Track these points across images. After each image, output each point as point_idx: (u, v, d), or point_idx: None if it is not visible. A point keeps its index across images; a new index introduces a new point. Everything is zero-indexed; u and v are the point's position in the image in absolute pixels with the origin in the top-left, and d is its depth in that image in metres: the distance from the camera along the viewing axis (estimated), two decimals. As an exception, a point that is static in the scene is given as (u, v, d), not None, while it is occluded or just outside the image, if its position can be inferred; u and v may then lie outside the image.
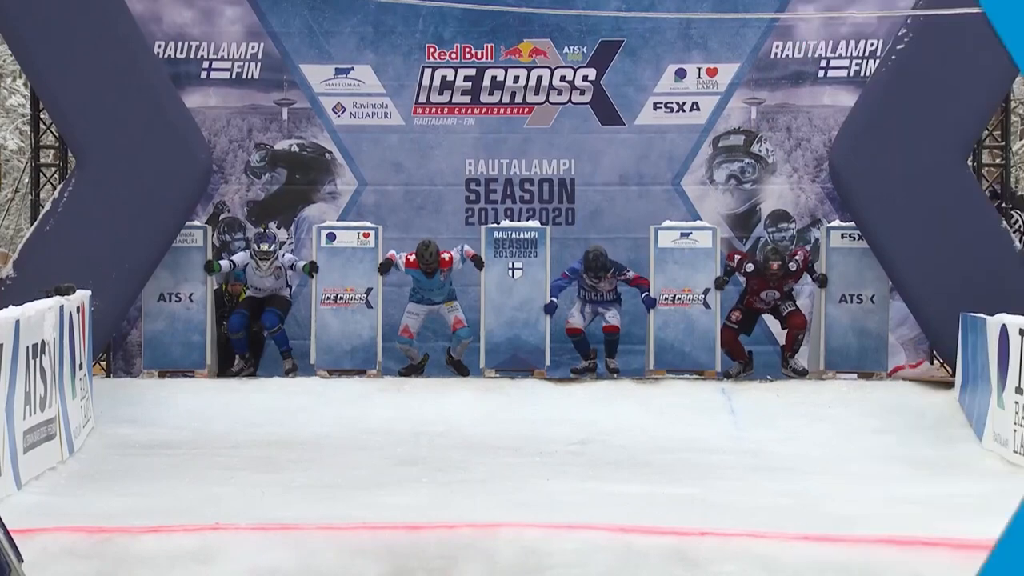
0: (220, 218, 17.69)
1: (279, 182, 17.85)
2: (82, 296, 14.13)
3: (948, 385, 15.63)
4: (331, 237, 16.61)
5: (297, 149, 17.84)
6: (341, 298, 16.50)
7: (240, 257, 16.70)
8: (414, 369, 16.50)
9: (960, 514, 10.16)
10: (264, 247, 16.39)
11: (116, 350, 17.36)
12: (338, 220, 17.29)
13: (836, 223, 16.96)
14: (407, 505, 10.45)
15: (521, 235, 16.71)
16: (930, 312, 16.09)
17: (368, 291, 16.51)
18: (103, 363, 17.20)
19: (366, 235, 16.62)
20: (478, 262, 16.37)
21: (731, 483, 11.94)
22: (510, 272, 16.59)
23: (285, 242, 17.67)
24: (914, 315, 16.53)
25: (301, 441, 14.03)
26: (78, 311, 13.77)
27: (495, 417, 14.47)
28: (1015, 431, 13.28)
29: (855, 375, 16.28)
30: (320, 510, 9.79)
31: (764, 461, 12.22)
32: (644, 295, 16.45)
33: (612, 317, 16.47)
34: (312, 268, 16.39)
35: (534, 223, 17.13)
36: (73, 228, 15.90)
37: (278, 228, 17.75)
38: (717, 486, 11.72)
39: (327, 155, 17.82)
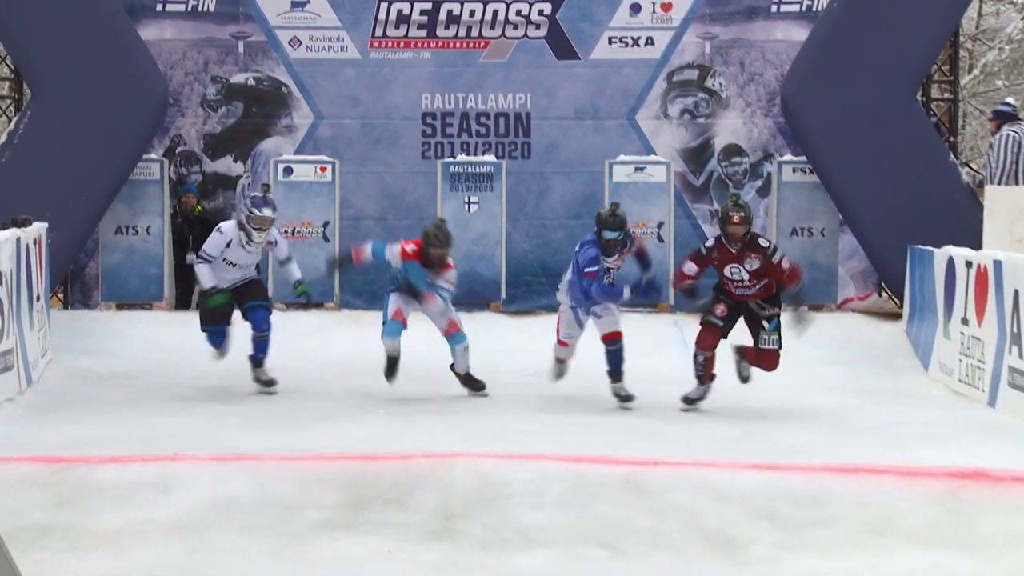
0: (176, 151, 17.57)
1: (235, 115, 17.73)
2: (39, 228, 14.06)
3: (896, 317, 15.73)
4: (288, 171, 16.58)
5: (253, 82, 17.72)
6: (298, 231, 16.48)
7: (214, 243, 12.90)
8: (393, 368, 12.98)
9: (907, 442, 10.27)
10: (266, 212, 12.86)
11: (74, 282, 17.25)
12: (295, 154, 17.23)
13: (788, 157, 17.04)
14: (364, 436, 10.50)
15: (477, 169, 16.71)
16: (879, 245, 16.17)
17: (325, 224, 16.51)
18: (60, 295, 17.09)
19: (323, 169, 16.59)
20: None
21: (683, 413, 12.02)
22: (466, 206, 16.58)
23: (241, 176, 17.60)
24: (863, 248, 16.61)
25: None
26: (35, 243, 13.71)
27: (433, 348, 14.48)
28: (960, 361, 13.40)
29: (805, 307, 16.32)
30: (278, 440, 9.81)
31: (718, 391, 12.28)
32: (644, 282, 12.57)
33: (606, 315, 12.67)
34: (303, 291, 13.50)
35: (490, 157, 17.08)
36: (29, 160, 15.77)
37: (235, 161, 17.63)
38: (670, 416, 11.80)
39: (283, 88, 17.71)
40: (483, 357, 13.77)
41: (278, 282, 15.98)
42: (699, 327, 12.36)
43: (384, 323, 12.78)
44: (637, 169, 16.73)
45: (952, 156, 16.39)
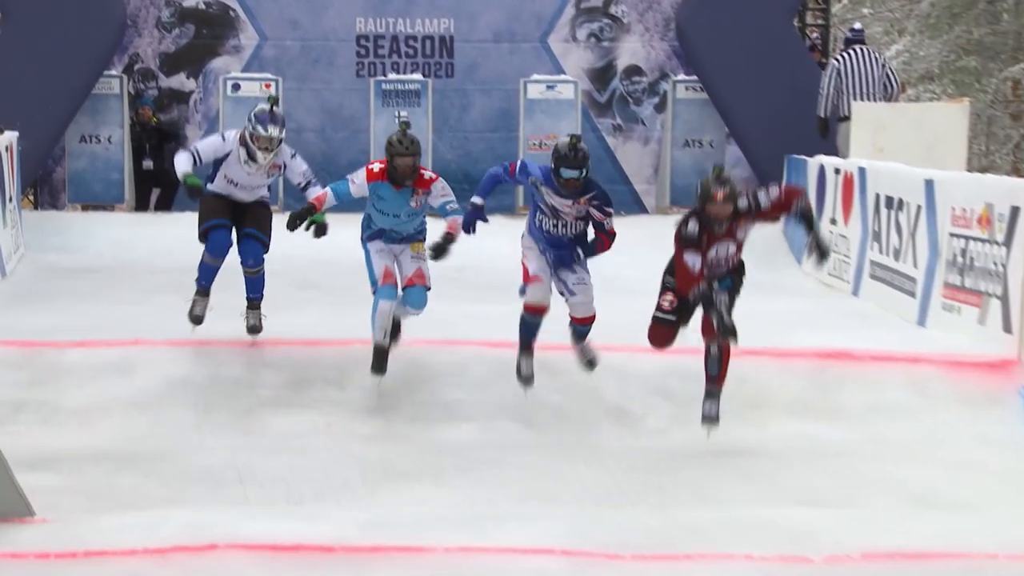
0: (134, 68, 17.30)
1: (188, 36, 17.46)
2: (10, 136, 13.90)
3: (774, 219, 15.82)
4: (236, 87, 16.44)
5: (203, 6, 17.43)
6: (245, 141, 16.37)
7: (210, 144, 9.82)
8: (381, 360, 9.12)
9: (781, 327, 10.37)
10: (272, 131, 9.45)
11: (43, 186, 17.06)
12: (241, 72, 17.03)
13: (681, 77, 17.00)
14: (306, 324, 10.48)
15: (406, 87, 16.69)
16: (759, 155, 16.25)
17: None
18: (31, 197, 16.94)
19: (267, 85, 16.42)
20: (441, 243, 9.09)
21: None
22: (396, 120, 16.49)
23: (193, 91, 17.42)
24: (746, 157, 16.68)
25: (212, 268, 13.95)
26: (7, 150, 13.54)
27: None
28: (830, 258, 13.54)
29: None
30: (228, 328, 9.77)
31: (617, 284, 12.29)
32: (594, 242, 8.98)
33: (581, 293, 9.02)
34: (319, 229, 9.47)
35: (417, 76, 17.00)
36: (1, 75, 15.59)
37: (187, 78, 17.44)
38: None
39: (231, 12, 17.44)
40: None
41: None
42: (651, 322, 8.71)
43: (374, 288, 9.15)
44: (548, 87, 16.71)
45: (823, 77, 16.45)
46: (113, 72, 16.59)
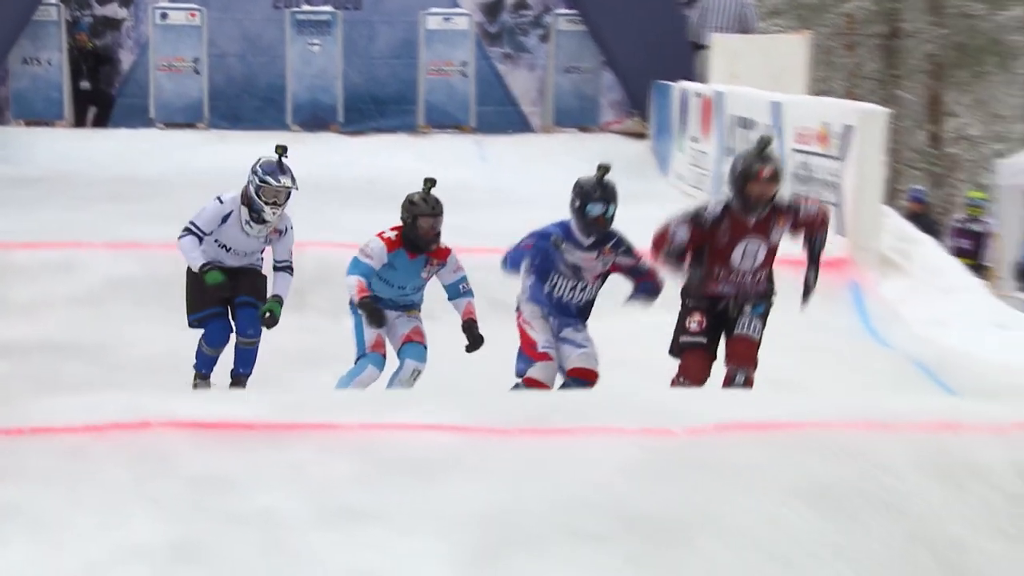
0: (71, -3, 16.94)
1: (120, -31, 17.09)
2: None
3: (643, 136, 15.88)
4: (163, 16, 16.17)
5: (135, -57, 17.05)
6: (173, 66, 16.10)
7: (209, 214, 7.49)
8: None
9: (649, 230, 10.41)
10: (285, 181, 7.42)
11: (-12, 104, 16.75)
12: (169, 1, 16.65)
13: (562, 11, 16.93)
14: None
15: (318, 18, 16.49)
16: (630, 80, 16.29)
17: (195, 60, 16.16)
18: (-23, 114, 16.63)
19: (193, 14, 16.19)
20: (471, 335, 7.38)
21: (484, 213, 12.02)
22: (310, 47, 16.36)
23: (125, 19, 17.02)
24: (619, 82, 16.69)
25: (144, 180, 13.76)
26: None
27: (300, 162, 14.19)
28: (690, 169, 13.65)
29: (576, 129, 16.42)
30: (160, 233, 9.63)
31: (508, 196, 12.32)
32: (641, 285, 7.14)
33: (589, 346, 7.12)
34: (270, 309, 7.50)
35: (328, 8, 16.77)
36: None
37: (120, 7, 17.02)
38: (474, 215, 11.79)
39: (160, -51, 17.08)
40: (325, 168, 13.66)
41: (157, 106, 15.50)
42: (679, 351, 6.84)
43: (359, 356, 7.35)
44: (445, 19, 16.55)
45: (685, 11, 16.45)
46: (51, 1, 16.18)
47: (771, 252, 6.72)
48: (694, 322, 6.74)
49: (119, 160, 14.60)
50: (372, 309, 7.12)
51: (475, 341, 7.29)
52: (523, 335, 7.09)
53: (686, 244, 6.67)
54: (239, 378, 7.68)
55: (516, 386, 7.06)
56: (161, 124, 15.91)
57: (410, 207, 7.33)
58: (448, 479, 4.85)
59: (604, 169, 6.93)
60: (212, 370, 7.67)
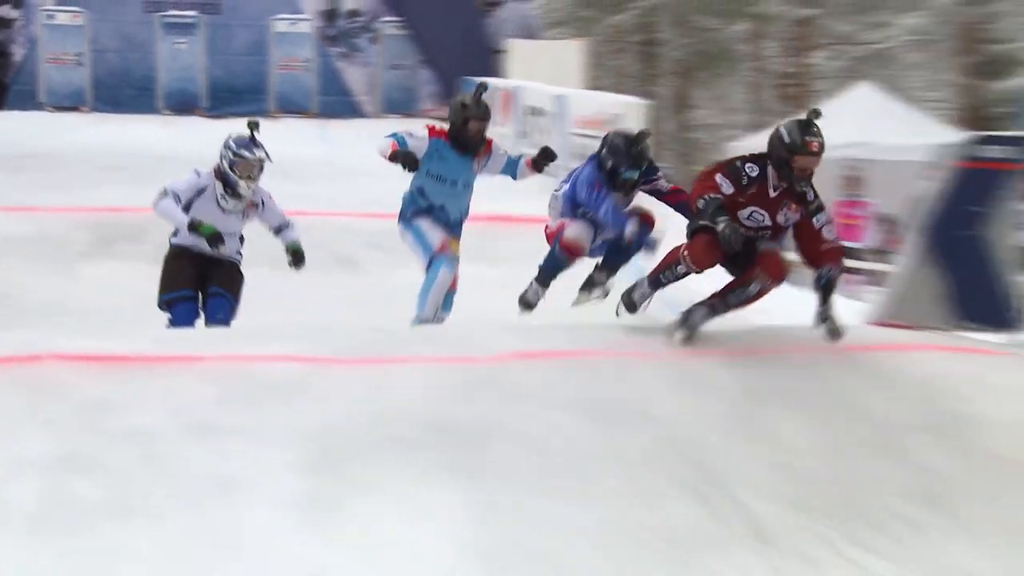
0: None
1: (12, -24, 16.27)
2: None
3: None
4: (50, 16, 15.62)
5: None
6: (60, 59, 15.57)
7: (186, 182, 6.38)
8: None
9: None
10: (258, 153, 6.36)
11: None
12: (55, 4, 15.99)
13: (389, 18, 16.79)
14: (111, 196, 10.00)
15: (184, 20, 16.10)
16: (443, 76, 16.25)
17: (79, 54, 15.64)
18: None
19: (76, 16, 15.65)
20: (545, 158, 6.57)
21: (324, 183, 11.82)
22: (177, 45, 15.97)
23: (14, 20, 16.22)
24: (435, 77, 16.64)
25: (37, 154, 13.14)
26: None
27: (171, 139, 13.90)
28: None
29: (400, 115, 16.32)
30: (52, 198, 9.26)
31: (344, 170, 12.14)
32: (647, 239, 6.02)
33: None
34: (296, 259, 6.61)
35: (192, 12, 16.33)
36: None
37: (12, 8, 16.20)
38: (317, 185, 11.55)
39: (47, -41, 16.30)
40: (193, 143, 13.25)
41: (47, 92, 14.90)
42: (694, 237, 5.44)
43: (427, 260, 6.33)
44: (291, 23, 16.40)
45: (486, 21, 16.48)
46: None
47: (774, 229, 5.41)
48: (723, 221, 5.17)
49: (14, 138, 13.96)
50: (404, 154, 6.07)
51: (548, 153, 6.40)
52: (556, 226, 6.13)
53: (725, 194, 5.30)
54: None
55: (553, 251, 6.08)
56: (50, 108, 15.37)
57: (462, 110, 6.29)
58: (295, 400, 4.79)
59: (644, 133, 5.91)
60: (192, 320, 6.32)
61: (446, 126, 6.33)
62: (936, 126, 14.63)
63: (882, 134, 13.26)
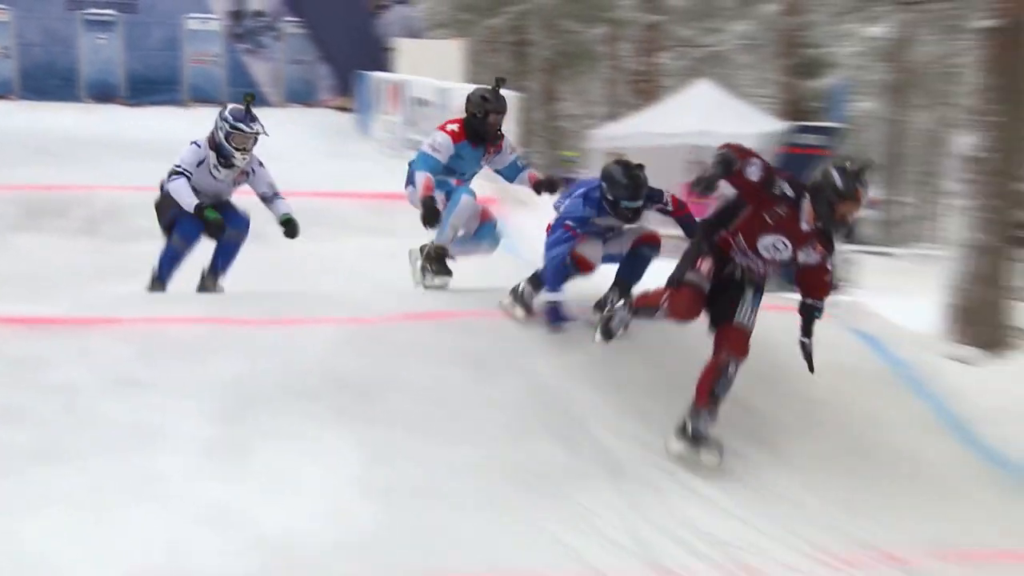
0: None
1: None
2: None
3: (350, 110, 15.57)
4: (-21, 12, 14.74)
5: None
6: (-12, 50, 14.80)
7: (190, 154, 5.87)
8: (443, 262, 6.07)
9: (357, 179, 10.27)
10: (255, 127, 5.93)
11: None
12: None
13: (289, 18, 16.33)
14: (40, 176, 9.57)
15: (103, 18, 15.44)
16: (339, 71, 15.98)
17: (6, 47, 14.92)
18: None
19: (2, 13, 14.87)
20: (549, 187, 5.93)
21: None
22: (98, 40, 15.35)
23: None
24: (332, 72, 16.33)
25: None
26: None
27: (95, 127, 13.36)
28: (383, 135, 13.54)
29: (301, 105, 15.99)
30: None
31: (277, 157, 11.77)
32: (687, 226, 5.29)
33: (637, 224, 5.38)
34: (289, 229, 6.13)
35: (111, 11, 15.65)
36: None
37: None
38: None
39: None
40: (116, 131, 12.82)
41: None
42: (677, 283, 4.75)
43: (448, 193, 5.83)
44: (202, 22, 15.86)
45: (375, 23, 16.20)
46: None
47: (792, 262, 4.72)
48: (704, 265, 4.69)
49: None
50: (430, 208, 5.59)
51: (554, 185, 5.83)
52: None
53: (745, 186, 4.54)
54: (215, 275, 5.94)
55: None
56: (-11, 97, 14.62)
57: (482, 103, 5.81)
58: (206, 358, 4.68)
59: (637, 166, 5.21)
60: (171, 275, 5.86)
61: (455, 127, 5.86)
62: (763, 117, 14.98)
63: (720, 124, 13.54)
